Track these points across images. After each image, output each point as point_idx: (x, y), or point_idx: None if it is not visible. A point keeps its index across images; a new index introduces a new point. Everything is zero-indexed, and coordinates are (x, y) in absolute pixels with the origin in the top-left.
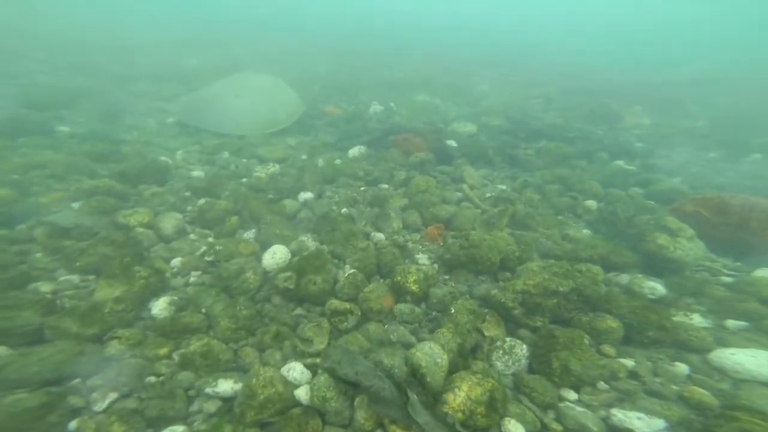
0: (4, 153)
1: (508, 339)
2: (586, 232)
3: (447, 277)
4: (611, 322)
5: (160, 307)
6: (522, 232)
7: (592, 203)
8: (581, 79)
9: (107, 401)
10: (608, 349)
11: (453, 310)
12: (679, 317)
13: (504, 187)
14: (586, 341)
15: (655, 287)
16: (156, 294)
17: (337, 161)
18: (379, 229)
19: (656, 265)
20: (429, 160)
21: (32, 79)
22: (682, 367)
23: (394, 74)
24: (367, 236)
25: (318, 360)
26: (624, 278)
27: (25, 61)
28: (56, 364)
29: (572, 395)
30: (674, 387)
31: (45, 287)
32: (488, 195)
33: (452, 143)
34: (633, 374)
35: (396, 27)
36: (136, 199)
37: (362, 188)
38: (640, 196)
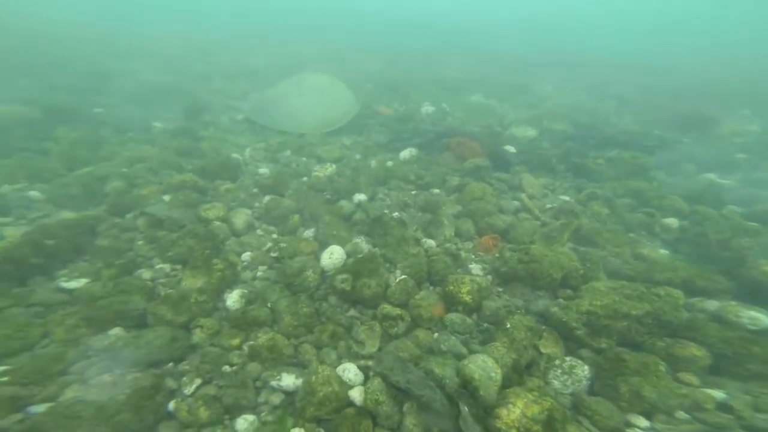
0: (117, 148)
1: (568, 358)
2: (663, 252)
3: (501, 289)
4: (695, 351)
5: (233, 299)
6: (587, 249)
7: (672, 221)
8: (661, 74)
9: (194, 386)
10: (689, 377)
11: (509, 325)
12: None
13: (567, 198)
14: (662, 368)
15: (758, 317)
16: (229, 286)
17: (389, 163)
18: (430, 236)
19: (758, 294)
20: (485, 166)
21: (137, 78)
22: None
23: (446, 73)
24: (418, 242)
25: (370, 363)
26: (712, 304)
27: (131, 62)
28: (158, 347)
29: (643, 422)
30: None
31: (146, 274)
32: (549, 206)
33: (510, 149)
34: (725, 407)
35: (442, 26)
36: (212, 193)
37: (413, 192)
38: (738, 215)
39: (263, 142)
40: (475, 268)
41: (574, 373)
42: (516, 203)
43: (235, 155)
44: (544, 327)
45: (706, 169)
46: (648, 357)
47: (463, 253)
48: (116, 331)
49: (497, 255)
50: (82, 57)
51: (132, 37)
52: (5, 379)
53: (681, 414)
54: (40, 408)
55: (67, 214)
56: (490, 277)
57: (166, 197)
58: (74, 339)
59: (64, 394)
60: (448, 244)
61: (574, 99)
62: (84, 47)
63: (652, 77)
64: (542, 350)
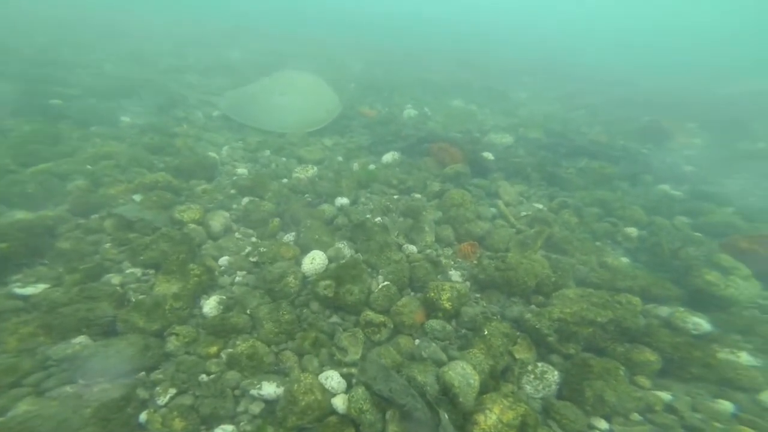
0: (80, 143)
1: (539, 364)
2: (625, 260)
3: (478, 295)
4: (649, 355)
5: (210, 305)
6: (558, 257)
7: (632, 230)
8: (630, 87)
9: (168, 396)
10: (643, 380)
11: (486, 332)
12: (724, 354)
13: (541, 206)
14: (622, 372)
15: (700, 323)
16: (206, 292)
17: (371, 166)
18: (411, 241)
19: (702, 300)
20: (464, 172)
21: (101, 69)
22: (725, 405)
23: (428, 76)
24: (400, 248)
25: (353, 370)
26: (664, 311)
27: (94, 53)
28: (128, 357)
29: (603, 424)
30: (718, 425)
31: (115, 279)
32: (524, 214)
33: (489, 156)
34: (670, 408)
35: (424, 27)
36: (187, 194)
37: (395, 197)
38: (687, 226)
39: (241, 141)
40: (455, 275)
41: (545, 378)
42: (493, 210)
43: (211, 154)
44: (518, 333)
45: (661, 180)
46: (610, 362)
47: (443, 260)
48: (81, 339)
49: (475, 262)
50: (37, 45)
51: (102, 27)
52: None
53: (635, 416)
54: None
55: (22, 215)
56: (468, 284)
57: (137, 197)
58: (30, 348)
59: (16, 407)
60: (429, 251)
61: (548, 107)
62: (43, 35)
63: (624, 89)
64: (516, 356)
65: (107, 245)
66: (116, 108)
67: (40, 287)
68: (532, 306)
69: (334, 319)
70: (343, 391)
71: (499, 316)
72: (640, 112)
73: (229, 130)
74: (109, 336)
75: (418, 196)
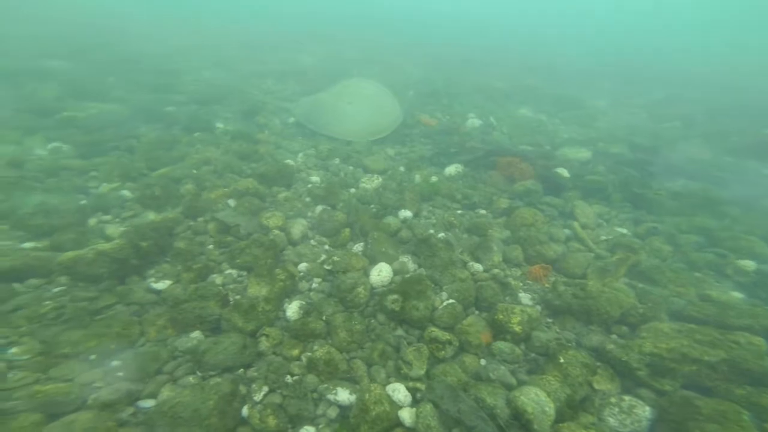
0: (187, 149)
1: (626, 397)
2: (737, 295)
3: (551, 321)
4: None
5: (292, 309)
6: (646, 287)
7: (748, 264)
8: (739, 93)
9: (262, 393)
10: None
11: (562, 360)
12: None
13: (624, 231)
14: (746, 417)
15: None
16: (288, 296)
17: (434, 178)
18: (477, 260)
19: None
20: (536, 190)
21: (200, 75)
22: None
23: (490, 82)
24: (465, 265)
25: (418, 384)
26: None
27: (192, 60)
28: (232, 354)
29: None
30: None
31: (218, 279)
32: (604, 238)
33: (563, 172)
34: None
35: (481, 28)
36: (271, 200)
37: (459, 212)
38: None
39: (314, 148)
40: (525, 298)
41: (634, 413)
42: (567, 231)
43: (288, 161)
44: (598, 363)
45: None
46: (725, 404)
47: (512, 281)
48: (196, 334)
49: (548, 286)
50: (148, 54)
51: (181, 32)
52: (120, 374)
53: None
54: (147, 404)
55: (152, 215)
56: (539, 308)
57: (232, 202)
58: (162, 339)
59: (161, 392)
60: (496, 270)
61: (632, 118)
62: (146, 44)
63: (733, 95)
64: (596, 386)
65: (210, 246)
66: (212, 114)
67: (167, 283)
68: (614, 336)
69: (399, 332)
70: (409, 404)
71: (574, 344)
72: (756, 123)
73: (303, 137)
74: (216, 333)
75: (483, 212)
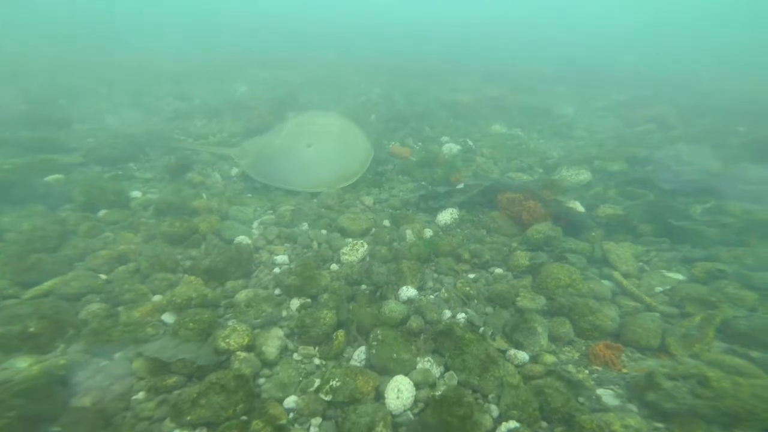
0: (90, 242)
1: None
2: None
3: (661, 425)
4: None
5: None
6: (763, 354)
7: None
8: (701, 90)
9: None
10: None
11: None
12: None
13: (680, 276)
14: None
15: None
16: None
17: (428, 232)
18: (518, 345)
19: None
20: (556, 236)
21: (102, 122)
22: None
23: (456, 97)
24: (504, 355)
25: None
26: None
27: (92, 97)
28: None
29: None
30: None
31: None
32: (659, 289)
33: (576, 206)
34: None
35: (430, 36)
36: (226, 304)
37: (471, 275)
38: None
39: (271, 211)
40: (606, 396)
41: None
42: (607, 283)
43: (241, 238)
44: None
45: None
46: None
47: (579, 374)
48: None
49: (624, 370)
50: (22, 96)
51: (91, 66)
52: None
53: None
54: None
55: (24, 363)
56: (634, 407)
57: (168, 317)
58: None
59: None
60: (548, 358)
61: (604, 122)
62: (25, 81)
63: (689, 94)
64: None
65: (141, 395)
66: (124, 178)
67: None
68: None
69: None
70: None
71: None
72: (731, 121)
73: (254, 193)
74: None
75: (500, 271)
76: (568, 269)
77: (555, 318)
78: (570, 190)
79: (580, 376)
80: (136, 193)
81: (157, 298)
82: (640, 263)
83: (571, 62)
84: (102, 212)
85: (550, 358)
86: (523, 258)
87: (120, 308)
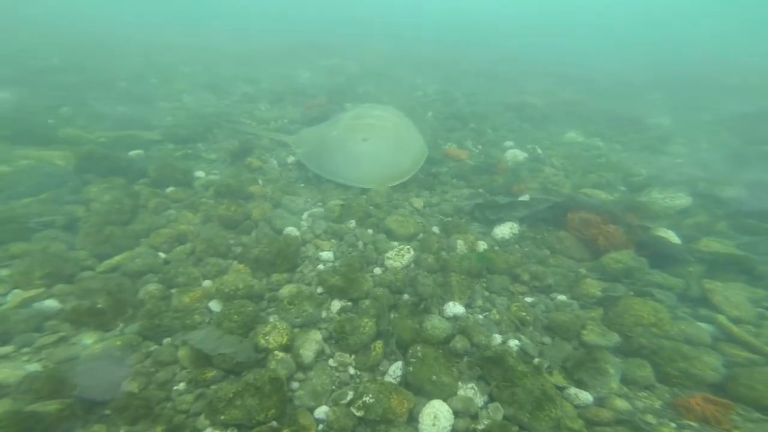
0: (153, 218)
1: None
2: None
3: None
4: None
5: None
6: None
7: None
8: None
9: None
10: None
11: None
12: None
13: None
14: None
15: None
16: None
17: (482, 245)
18: (580, 384)
19: None
20: (639, 267)
21: (181, 101)
22: None
23: (522, 98)
24: (561, 392)
25: None
26: None
27: (173, 80)
28: None
29: None
30: None
31: None
32: None
33: (669, 235)
34: None
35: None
36: (269, 298)
37: (528, 299)
38: None
39: (321, 204)
40: None
41: None
42: (707, 327)
43: (291, 229)
44: None
45: None
46: None
47: (663, 428)
48: None
49: (728, 429)
50: (123, 73)
51: (171, 41)
52: None
53: None
54: None
55: (90, 340)
56: None
57: (215, 305)
58: None
59: None
60: (619, 404)
61: (714, 139)
62: (124, 60)
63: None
64: None
65: (181, 386)
66: (192, 157)
67: None
68: None
69: None
70: None
71: None
72: None
73: (306, 184)
74: None
75: (563, 298)
76: (654, 306)
77: (631, 359)
78: (662, 216)
79: (665, 430)
80: (200, 173)
81: (207, 283)
82: (760, 309)
83: (668, 64)
84: (169, 189)
85: (621, 404)
86: (594, 287)
87: (173, 291)
